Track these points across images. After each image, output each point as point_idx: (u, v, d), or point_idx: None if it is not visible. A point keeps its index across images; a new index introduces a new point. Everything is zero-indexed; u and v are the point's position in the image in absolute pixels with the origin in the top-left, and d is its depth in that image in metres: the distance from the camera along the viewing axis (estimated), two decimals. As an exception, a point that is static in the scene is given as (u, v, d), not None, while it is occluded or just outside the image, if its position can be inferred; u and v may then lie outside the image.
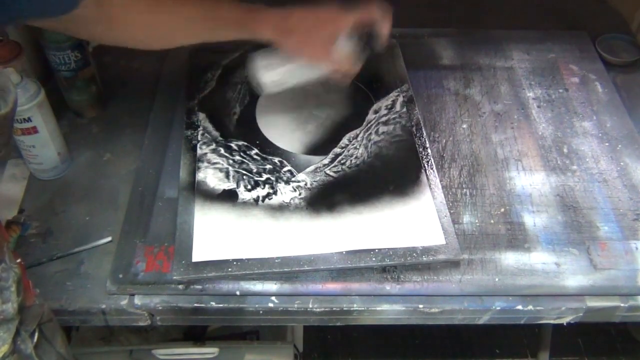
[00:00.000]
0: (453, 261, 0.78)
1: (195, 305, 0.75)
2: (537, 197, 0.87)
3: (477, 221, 0.84)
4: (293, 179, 0.86)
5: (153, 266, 0.77)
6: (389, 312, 0.77)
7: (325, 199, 0.84)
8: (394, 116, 0.95)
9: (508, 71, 1.07)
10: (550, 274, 0.78)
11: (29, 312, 0.61)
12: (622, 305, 0.78)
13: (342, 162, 0.89)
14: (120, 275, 0.76)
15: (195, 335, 1.11)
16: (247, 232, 0.79)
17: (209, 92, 0.98)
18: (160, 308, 0.75)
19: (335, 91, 1.00)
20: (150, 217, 0.82)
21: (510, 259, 0.80)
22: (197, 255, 0.76)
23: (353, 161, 0.89)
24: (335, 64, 0.82)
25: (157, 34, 0.78)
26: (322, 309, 0.76)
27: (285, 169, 0.87)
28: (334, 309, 0.76)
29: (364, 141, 0.92)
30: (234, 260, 0.76)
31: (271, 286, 0.76)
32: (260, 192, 0.84)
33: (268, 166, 0.87)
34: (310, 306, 0.76)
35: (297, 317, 0.77)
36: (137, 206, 0.84)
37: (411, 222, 0.81)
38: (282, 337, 1.16)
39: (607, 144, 0.95)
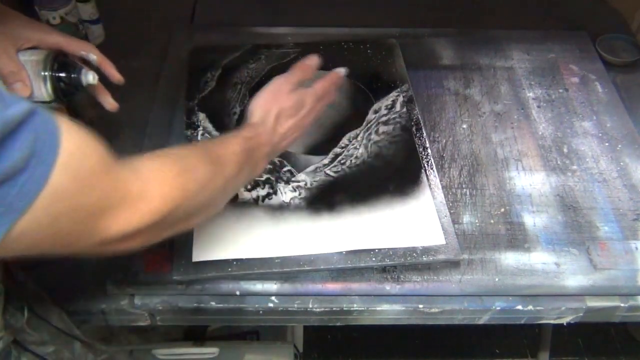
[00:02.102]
0: (453, 261, 0.78)
1: (195, 305, 0.75)
2: (537, 197, 0.87)
3: (477, 221, 0.84)
4: (293, 179, 0.86)
5: (153, 266, 0.77)
6: (389, 312, 0.77)
7: (325, 199, 0.84)
8: (394, 116, 0.95)
9: (508, 71, 1.07)
10: (550, 274, 0.78)
11: (14, 290, 0.61)
12: (622, 305, 0.78)
13: (342, 162, 0.89)
14: (120, 275, 0.76)
15: (195, 335, 1.11)
16: (247, 232, 0.79)
17: (209, 92, 0.98)
18: (160, 308, 0.75)
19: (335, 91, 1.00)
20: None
21: (510, 259, 0.80)
22: (197, 255, 0.76)
23: (353, 161, 0.89)
24: (9, 66, 0.68)
25: None
26: (322, 309, 0.76)
27: (285, 168, 0.87)
28: (334, 309, 0.76)
29: (364, 141, 0.92)
30: (234, 260, 0.76)
31: (271, 286, 0.76)
32: (260, 192, 0.84)
33: (268, 166, 0.87)
34: (310, 306, 0.76)
35: (297, 317, 0.77)
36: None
37: (411, 222, 0.81)
38: (282, 337, 1.16)
39: (607, 144, 0.95)
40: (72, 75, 0.71)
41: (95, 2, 1.05)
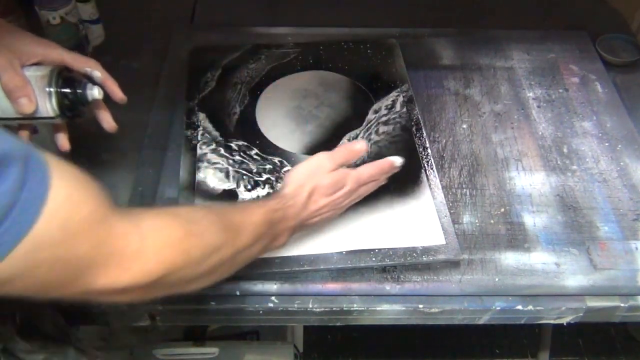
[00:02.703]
0: (453, 261, 0.78)
1: (195, 305, 0.75)
2: (537, 197, 0.87)
3: (477, 221, 0.84)
4: (293, 179, 0.86)
5: (153, 266, 0.77)
6: (389, 312, 0.77)
7: (325, 199, 0.84)
8: (394, 116, 0.95)
9: (508, 71, 1.07)
10: (550, 274, 0.78)
11: (4, 298, 0.61)
12: (622, 305, 0.78)
13: (342, 162, 0.89)
14: (120, 275, 0.76)
15: (195, 335, 1.11)
16: (247, 232, 0.79)
17: (209, 92, 0.98)
18: (160, 308, 0.75)
19: (335, 91, 1.00)
20: (150, 217, 0.82)
21: (510, 259, 0.80)
22: (197, 255, 0.76)
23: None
24: (15, 80, 0.66)
25: None
26: (322, 309, 0.76)
27: (285, 169, 0.87)
28: (334, 309, 0.76)
29: (364, 141, 0.92)
30: (234, 260, 0.76)
31: (271, 286, 0.76)
32: (261, 192, 0.84)
33: (268, 166, 0.87)
34: (310, 306, 0.76)
35: (297, 317, 0.77)
36: (137, 206, 0.84)
37: (411, 222, 0.81)
38: (282, 337, 1.16)
39: (607, 144, 0.95)
40: (78, 91, 0.69)
41: (95, 2, 1.05)
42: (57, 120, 0.69)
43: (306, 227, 0.73)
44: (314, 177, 0.71)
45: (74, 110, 0.70)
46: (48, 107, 0.68)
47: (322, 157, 0.73)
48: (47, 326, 0.65)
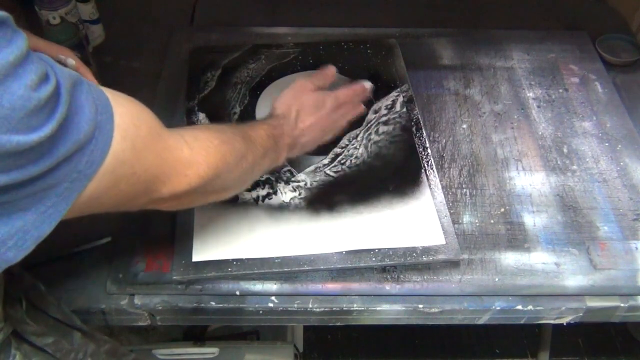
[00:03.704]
0: (453, 261, 0.78)
1: (195, 305, 0.75)
2: (537, 197, 0.87)
3: (477, 221, 0.84)
4: (293, 179, 0.86)
5: (153, 266, 0.77)
6: (389, 312, 0.77)
7: (325, 199, 0.84)
8: (394, 116, 0.95)
9: (508, 71, 1.07)
10: (550, 274, 0.78)
11: (11, 282, 0.61)
12: (622, 305, 0.78)
13: (342, 162, 0.89)
14: (120, 275, 0.76)
15: (195, 335, 1.11)
16: (247, 232, 0.79)
17: (209, 92, 0.98)
18: (160, 308, 0.76)
19: (335, 91, 1.00)
20: (150, 217, 0.82)
21: (510, 259, 0.80)
22: (197, 255, 0.76)
23: (353, 161, 0.89)
24: None
25: None
26: (322, 309, 0.76)
27: (285, 168, 0.87)
28: (334, 309, 0.76)
29: (364, 141, 0.92)
30: (234, 260, 0.76)
31: (271, 286, 0.76)
32: (260, 192, 0.84)
33: (268, 166, 0.87)
34: (310, 306, 0.76)
35: (297, 317, 0.77)
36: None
37: (411, 222, 0.81)
38: (282, 337, 1.16)
39: (607, 144, 0.95)
40: None
41: (95, 2, 1.05)
42: None
43: (299, 147, 0.79)
44: (298, 98, 0.79)
45: None
46: None
47: (302, 80, 0.82)
48: (53, 311, 0.66)
